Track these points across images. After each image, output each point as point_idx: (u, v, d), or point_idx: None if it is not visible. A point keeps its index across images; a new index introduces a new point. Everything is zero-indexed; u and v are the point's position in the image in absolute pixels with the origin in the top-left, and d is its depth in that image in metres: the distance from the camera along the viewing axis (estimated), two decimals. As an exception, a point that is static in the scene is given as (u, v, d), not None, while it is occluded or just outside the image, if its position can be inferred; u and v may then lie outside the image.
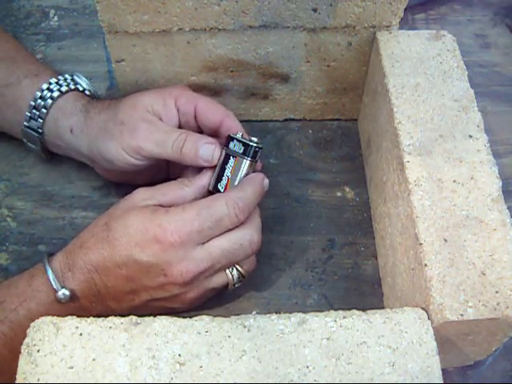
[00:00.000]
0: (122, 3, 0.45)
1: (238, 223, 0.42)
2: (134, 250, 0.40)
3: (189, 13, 0.46)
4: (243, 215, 0.42)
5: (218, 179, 0.44)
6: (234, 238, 0.42)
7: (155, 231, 0.40)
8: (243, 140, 0.43)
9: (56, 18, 0.66)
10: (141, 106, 0.45)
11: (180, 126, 0.47)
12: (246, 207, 0.42)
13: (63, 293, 0.40)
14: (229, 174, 0.44)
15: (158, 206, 0.42)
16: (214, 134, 0.46)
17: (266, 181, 0.45)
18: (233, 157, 0.43)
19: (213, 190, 0.44)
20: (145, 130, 0.44)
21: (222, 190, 0.44)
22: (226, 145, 0.44)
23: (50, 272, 0.40)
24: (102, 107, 0.47)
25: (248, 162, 0.43)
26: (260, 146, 0.44)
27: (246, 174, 0.44)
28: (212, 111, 0.46)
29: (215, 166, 0.44)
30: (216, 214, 0.41)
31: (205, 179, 0.44)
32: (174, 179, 0.46)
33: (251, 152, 0.43)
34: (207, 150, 0.44)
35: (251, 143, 0.43)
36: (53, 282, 0.40)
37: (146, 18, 0.47)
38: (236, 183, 0.43)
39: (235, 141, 0.44)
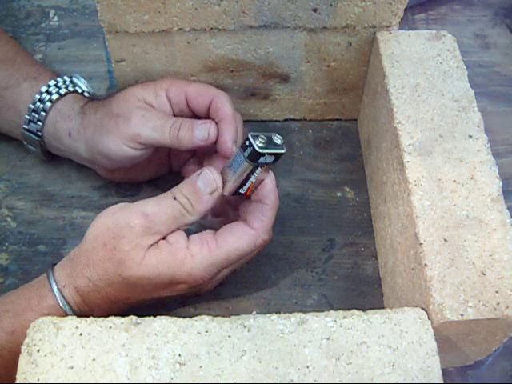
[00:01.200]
0: (122, 3, 0.45)
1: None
2: (163, 292, 0.40)
3: (189, 13, 0.46)
4: (268, 240, 0.42)
5: (241, 186, 0.41)
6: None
7: (185, 279, 0.39)
8: (273, 152, 0.39)
9: (56, 18, 0.66)
10: (133, 97, 0.46)
11: (174, 116, 0.47)
12: (270, 234, 0.42)
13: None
14: (254, 180, 0.41)
15: (167, 241, 0.40)
16: (208, 116, 0.46)
17: (273, 177, 0.43)
18: (261, 167, 0.41)
19: (232, 195, 0.42)
20: (141, 116, 0.44)
21: (243, 192, 0.42)
22: (255, 160, 0.39)
23: (68, 310, 0.39)
24: (97, 106, 0.48)
25: (272, 167, 0.42)
26: (283, 142, 0.41)
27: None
28: (201, 95, 0.45)
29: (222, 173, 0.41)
30: (245, 254, 0.41)
31: (208, 204, 0.41)
32: (177, 173, 0.46)
33: (280, 157, 0.41)
34: (202, 130, 0.43)
35: (281, 151, 0.40)
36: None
37: (146, 17, 0.47)
38: (257, 185, 0.42)
39: (266, 155, 0.39)
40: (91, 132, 0.46)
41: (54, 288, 0.39)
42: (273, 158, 0.40)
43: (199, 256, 0.39)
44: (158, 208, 0.40)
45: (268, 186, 0.42)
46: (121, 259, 0.39)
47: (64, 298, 0.39)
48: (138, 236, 0.39)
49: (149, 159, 0.47)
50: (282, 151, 0.40)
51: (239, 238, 0.40)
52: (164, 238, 0.40)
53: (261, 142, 0.39)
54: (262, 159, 0.39)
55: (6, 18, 0.65)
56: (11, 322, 0.39)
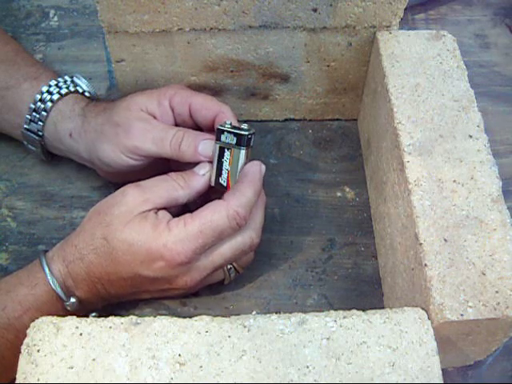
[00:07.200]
0: (121, 3, 0.45)
1: (239, 229, 0.42)
2: (140, 268, 0.40)
3: (189, 13, 0.46)
4: (244, 221, 0.41)
5: (218, 174, 0.43)
6: (235, 245, 0.42)
7: (161, 251, 0.39)
8: (234, 131, 0.42)
9: (56, 18, 0.66)
10: (135, 106, 0.45)
11: (176, 126, 0.46)
12: (247, 212, 0.41)
13: (72, 302, 0.41)
14: (228, 167, 0.43)
15: (156, 215, 0.41)
16: (211, 130, 0.46)
17: (263, 167, 0.44)
18: (227, 149, 0.43)
19: (215, 186, 0.44)
20: (140, 128, 0.44)
21: (224, 184, 0.43)
22: (218, 138, 0.43)
23: (56, 287, 0.40)
24: (99, 110, 0.47)
25: (244, 151, 0.43)
26: (252, 131, 0.43)
27: (245, 162, 0.43)
28: (206, 108, 0.45)
29: (211, 162, 0.44)
30: (218, 228, 0.40)
31: (200, 183, 0.43)
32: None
33: (245, 141, 0.42)
34: (206, 146, 0.43)
35: (243, 132, 0.42)
36: (61, 295, 0.40)
37: (146, 17, 0.47)
38: (237, 174, 0.43)
39: (226, 133, 0.43)
40: (91, 137, 0.46)
41: (43, 261, 0.41)
42: (234, 138, 0.42)
43: (175, 229, 0.40)
44: (152, 181, 0.43)
45: (246, 168, 0.43)
46: (109, 222, 0.40)
47: (51, 271, 0.40)
48: (129, 201, 0.41)
49: (149, 163, 0.47)
50: (242, 132, 0.42)
51: (212, 211, 0.41)
52: (156, 214, 0.41)
53: (227, 124, 0.43)
54: (222, 137, 0.43)
55: (6, 17, 0.65)
56: (3, 299, 0.40)
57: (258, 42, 0.50)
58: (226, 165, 0.43)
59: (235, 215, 0.40)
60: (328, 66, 0.53)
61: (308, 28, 0.49)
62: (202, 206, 0.42)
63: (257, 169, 0.43)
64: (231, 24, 0.48)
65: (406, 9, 0.48)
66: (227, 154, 0.43)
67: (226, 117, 0.44)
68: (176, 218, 0.41)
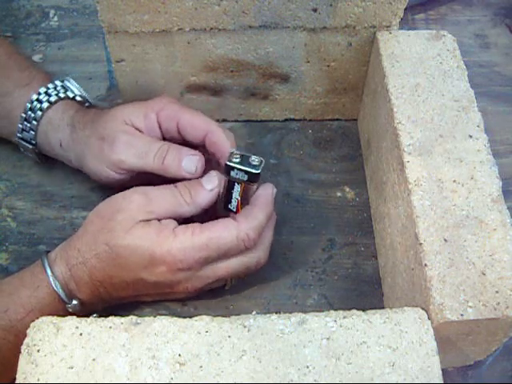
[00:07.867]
0: (122, 3, 0.45)
1: (246, 250, 0.42)
2: (143, 272, 0.40)
3: (189, 13, 0.46)
4: (253, 243, 0.41)
5: (227, 201, 0.43)
6: (241, 262, 0.42)
7: (164, 257, 0.39)
8: (244, 168, 0.41)
9: (56, 18, 0.66)
10: (121, 119, 0.45)
11: (163, 138, 0.46)
12: (257, 236, 0.41)
13: (74, 304, 0.41)
14: (238, 197, 0.42)
15: (160, 222, 0.41)
16: (200, 147, 0.45)
17: (275, 190, 0.44)
18: (237, 183, 0.42)
19: (223, 211, 0.43)
20: (124, 142, 0.43)
21: (233, 210, 0.43)
22: (227, 173, 0.41)
23: (59, 289, 0.40)
24: (86, 121, 0.47)
25: (255, 186, 0.42)
26: (262, 164, 0.41)
27: (256, 190, 0.43)
28: (194, 126, 0.44)
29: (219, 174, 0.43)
30: (225, 246, 0.40)
31: (206, 199, 0.42)
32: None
33: (256, 178, 0.41)
34: (190, 162, 0.42)
35: (254, 171, 0.41)
36: (63, 297, 0.40)
37: (146, 17, 0.47)
38: (247, 202, 0.43)
39: (236, 170, 0.41)
40: (80, 149, 0.46)
41: (45, 263, 0.41)
42: (245, 175, 0.41)
43: (181, 237, 0.40)
44: (159, 192, 0.42)
45: (258, 191, 0.43)
46: (112, 227, 0.40)
47: (53, 273, 0.40)
48: (133, 209, 0.40)
49: (137, 175, 0.46)
50: (253, 171, 0.41)
51: (222, 227, 0.40)
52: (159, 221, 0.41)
53: (235, 158, 0.41)
54: (232, 173, 0.41)
55: (6, 17, 0.65)
56: (5, 301, 0.40)
57: (257, 42, 0.50)
58: (235, 195, 0.42)
59: (245, 237, 0.40)
60: (328, 65, 0.53)
61: (308, 28, 0.49)
62: (206, 219, 0.42)
63: (269, 192, 0.43)
64: (231, 24, 0.48)
65: (406, 9, 0.48)
66: (237, 186, 0.42)
67: (215, 137, 0.43)
68: (183, 226, 0.41)
